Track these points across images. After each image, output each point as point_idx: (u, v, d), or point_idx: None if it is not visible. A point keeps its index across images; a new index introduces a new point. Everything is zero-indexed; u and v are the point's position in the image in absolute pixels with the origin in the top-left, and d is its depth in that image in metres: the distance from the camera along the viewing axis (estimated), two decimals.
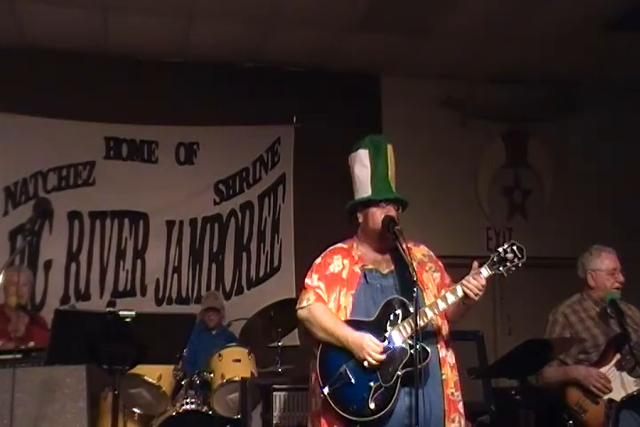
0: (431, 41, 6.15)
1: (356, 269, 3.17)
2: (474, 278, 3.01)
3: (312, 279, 3.18)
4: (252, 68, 6.58)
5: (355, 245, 3.24)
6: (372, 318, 3.05)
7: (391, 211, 3.14)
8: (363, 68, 6.68)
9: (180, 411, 4.64)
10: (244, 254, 6.44)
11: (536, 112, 7.05)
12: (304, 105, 6.52)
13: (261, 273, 6.45)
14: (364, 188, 3.19)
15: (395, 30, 5.95)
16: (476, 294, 2.99)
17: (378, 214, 3.14)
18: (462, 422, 3.10)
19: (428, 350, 2.94)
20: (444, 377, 3.07)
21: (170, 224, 6.31)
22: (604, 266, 3.93)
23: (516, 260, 3.04)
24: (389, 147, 3.24)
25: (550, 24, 5.83)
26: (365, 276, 3.15)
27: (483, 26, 5.85)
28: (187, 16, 5.69)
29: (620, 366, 3.70)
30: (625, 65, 6.50)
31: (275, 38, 6.07)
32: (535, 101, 6.99)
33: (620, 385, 3.69)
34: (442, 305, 3.03)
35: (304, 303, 3.14)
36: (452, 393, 3.08)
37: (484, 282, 3.01)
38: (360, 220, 3.21)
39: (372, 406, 2.91)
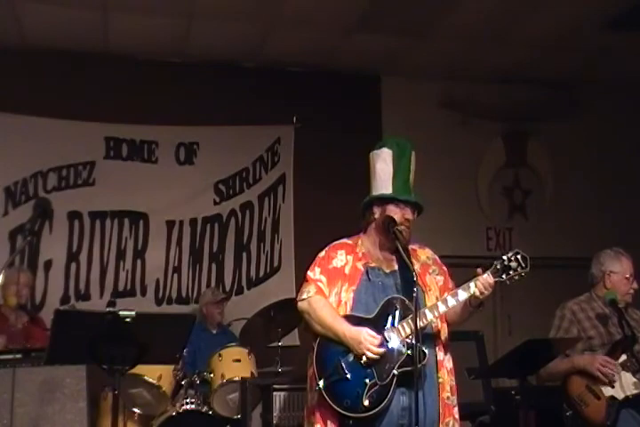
0: (431, 41, 6.15)
1: (359, 265, 3.17)
2: (483, 278, 3.01)
3: (314, 272, 3.18)
4: (252, 68, 6.58)
5: (360, 242, 3.25)
6: (372, 316, 3.05)
7: (408, 213, 3.15)
8: (363, 68, 6.68)
9: (180, 411, 4.64)
10: (244, 254, 6.44)
11: (536, 112, 7.05)
12: (304, 105, 6.52)
13: (261, 273, 6.45)
14: (384, 185, 3.19)
15: (395, 31, 5.95)
16: (481, 293, 3.00)
17: (394, 213, 3.14)
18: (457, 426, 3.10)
19: (426, 351, 2.94)
20: (440, 380, 3.07)
21: (170, 224, 6.31)
22: (622, 270, 3.94)
23: (519, 269, 3.04)
24: (413, 153, 3.25)
25: (550, 24, 5.83)
26: (368, 273, 3.15)
27: (483, 26, 5.85)
28: (187, 16, 5.69)
29: (624, 367, 3.71)
30: (625, 65, 6.50)
31: (275, 38, 6.07)
32: (535, 101, 6.98)
33: (622, 384, 3.70)
34: (442, 308, 3.03)
35: (304, 295, 3.14)
36: (448, 397, 3.08)
37: (492, 280, 3.01)
38: (376, 215, 3.20)
39: (365, 402, 2.91)
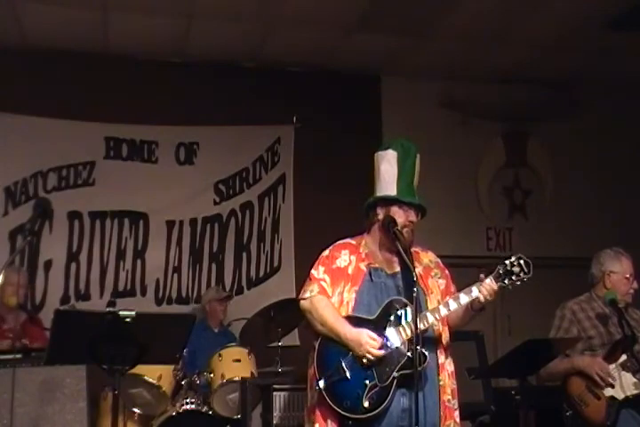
0: (431, 41, 6.15)
1: (362, 266, 3.17)
2: (487, 283, 3.01)
3: (318, 271, 3.18)
4: (252, 68, 6.58)
5: (363, 243, 3.25)
6: (373, 317, 3.05)
7: (411, 215, 3.16)
8: (363, 68, 6.68)
9: (180, 411, 4.64)
10: (244, 254, 6.44)
11: (536, 112, 7.04)
12: (304, 105, 6.52)
13: (261, 273, 6.45)
14: (388, 186, 3.19)
15: (395, 30, 5.95)
16: (485, 298, 3.00)
17: (398, 215, 3.14)
18: None
19: (427, 354, 2.93)
20: (441, 383, 3.07)
21: (170, 224, 6.31)
22: (622, 270, 3.94)
23: (521, 274, 3.02)
24: (418, 156, 3.25)
25: (550, 24, 5.82)
26: (370, 274, 3.15)
27: (483, 26, 5.85)
28: (187, 16, 5.68)
29: (624, 367, 3.71)
30: (625, 65, 6.50)
31: (275, 38, 6.07)
32: (535, 101, 6.98)
33: (622, 384, 3.70)
34: (444, 311, 3.03)
35: (307, 294, 3.14)
36: (449, 400, 3.08)
37: (495, 287, 3.01)
38: (379, 216, 3.20)
39: (365, 404, 2.91)
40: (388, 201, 3.18)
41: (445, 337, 3.17)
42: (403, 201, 3.15)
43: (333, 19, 5.74)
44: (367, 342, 2.95)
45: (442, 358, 3.11)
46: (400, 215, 3.14)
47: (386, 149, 3.24)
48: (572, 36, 6.02)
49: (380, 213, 3.19)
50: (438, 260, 3.34)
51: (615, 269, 3.94)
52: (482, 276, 3.05)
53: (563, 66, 6.61)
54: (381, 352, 2.94)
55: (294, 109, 6.48)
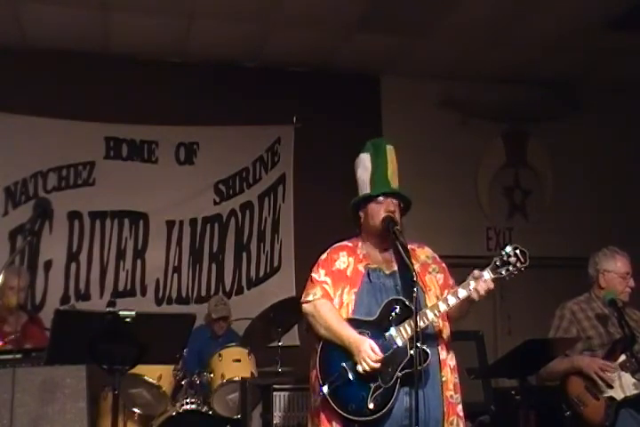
0: (431, 41, 6.15)
1: (360, 267, 3.17)
2: (483, 282, 3.00)
3: (319, 274, 3.18)
4: (252, 68, 6.58)
5: (359, 245, 3.26)
6: (374, 318, 3.05)
7: (390, 205, 3.16)
8: (363, 68, 6.68)
9: (180, 411, 4.64)
10: (244, 254, 6.44)
11: (536, 112, 7.05)
12: (304, 105, 6.52)
13: (261, 273, 6.45)
14: (365, 187, 3.22)
15: (395, 30, 5.95)
16: (480, 296, 3.00)
17: (376, 210, 3.16)
18: (461, 425, 3.10)
19: (428, 351, 2.93)
20: (443, 379, 3.07)
21: (170, 224, 6.31)
22: (617, 268, 3.93)
23: (518, 264, 3.02)
24: (389, 147, 3.27)
25: (550, 24, 5.83)
26: (369, 275, 3.15)
27: (483, 26, 5.86)
28: (187, 16, 5.69)
29: (624, 367, 3.71)
30: (625, 65, 6.50)
31: (275, 38, 6.07)
32: (535, 101, 6.99)
33: (621, 385, 3.70)
34: (443, 307, 3.03)
35: (310, 297, 3.14)
36: (452, 396, 3.08)
37: (492, 286, 3.01)
38: (362, 219, 3.23)
39: (370, 406, 2.90)
40: (365, 200, 3.20)
41: (446, 333, 3.17)
42: (374, 195, 3.16)
43: (333, 19, 5.74)
44: (366, 351, 2.93)
45: (443, 354, 3.11)
46: (378, 210, 3.15)
47: (359, 154, 3.29)
48: (572, 36, 6.02)
49: (362, 215, 3.22)
50: (435, 255, 3.34)
51: (609, 268, 3.94)
52: (476, 272, 3.04)
53: (563, 66, 6.61)
54: (376, 365, 2.92)
55: (294, 109, 6.49)
